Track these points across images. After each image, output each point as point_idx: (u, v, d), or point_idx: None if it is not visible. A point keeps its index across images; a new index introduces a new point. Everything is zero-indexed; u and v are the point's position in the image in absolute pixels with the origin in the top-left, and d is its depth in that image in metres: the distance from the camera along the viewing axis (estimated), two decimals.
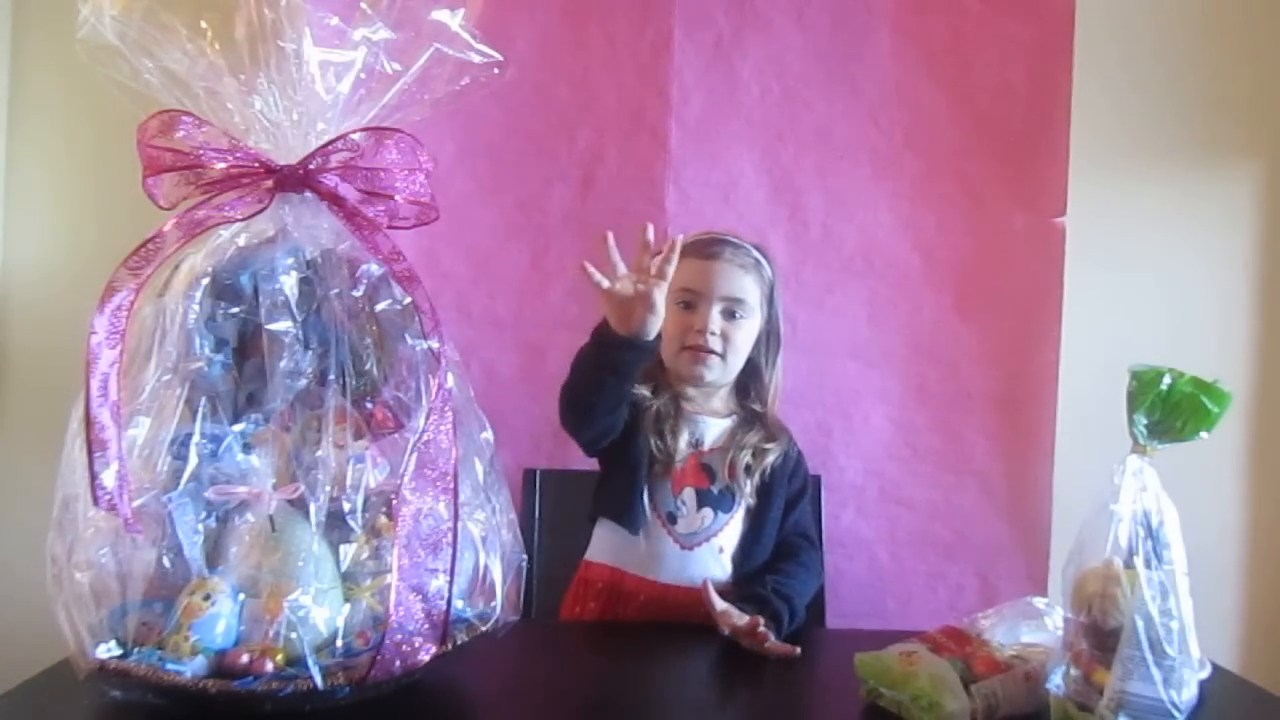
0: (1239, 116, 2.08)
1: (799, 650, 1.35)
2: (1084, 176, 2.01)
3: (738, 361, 1.62)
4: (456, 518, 1.10)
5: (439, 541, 1.09)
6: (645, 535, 1.56)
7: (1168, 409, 1.09)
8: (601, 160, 2.01)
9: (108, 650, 1.03)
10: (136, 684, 1.01)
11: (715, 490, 1.59)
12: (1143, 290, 2.07)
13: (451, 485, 1.10)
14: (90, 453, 1.03)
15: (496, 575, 1.19)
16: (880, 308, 2.02)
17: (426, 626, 1.07)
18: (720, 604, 1.42)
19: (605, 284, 1.41)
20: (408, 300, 1.16)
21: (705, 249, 1.62)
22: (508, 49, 1.24)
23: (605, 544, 1.61)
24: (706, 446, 1.61)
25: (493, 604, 1.19)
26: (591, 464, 1.98)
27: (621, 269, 1.43)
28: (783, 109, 2.02)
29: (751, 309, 1.61)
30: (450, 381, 1.15)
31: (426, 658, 1.06)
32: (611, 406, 1.49)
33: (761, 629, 1.36)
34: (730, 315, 1.60)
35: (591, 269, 1.41)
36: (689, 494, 1.58)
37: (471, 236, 2.00)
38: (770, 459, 1.62)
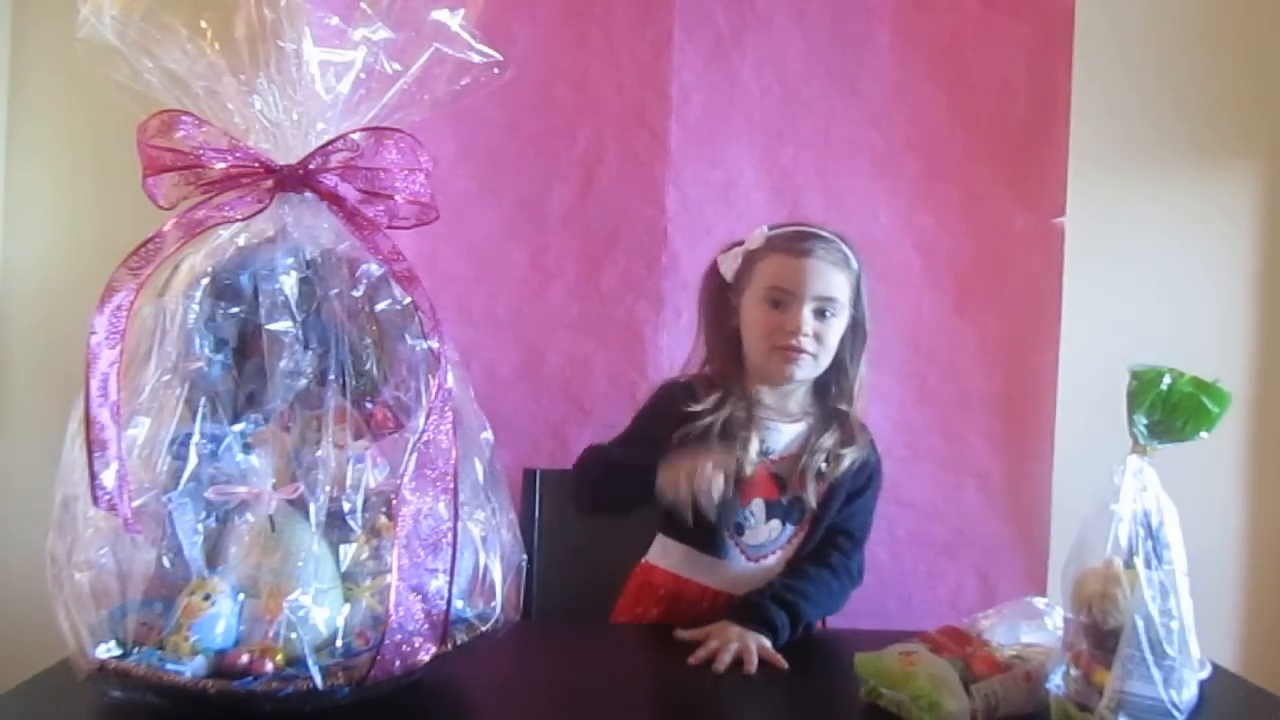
0: (1238, 116, 2.08)
1: (784, 664, 1.33)
2: (1084, 177, 2.01)
3: (827, 359, 1.56)
4: (456, 518, 1.10)
5: (439, 541, 1.09)
6: (714, 546, 1.53)
7: (1168, 409, 1.09)
8: (601, 160, 2.01)
9: (107, 650, 1.03)
10: (136, 684, 1.01)
11: (785, 501, 1.54)
12: (1142, 290, 2.06)
13: (451, 485, 1.10)
14: (90, 452, 1.03)
15: (496, 575, 1.19)
16: (879, 308, 1.97)
17: (426, 627, 1.07)
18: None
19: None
20: (407, 300, 1.16)
21: (796, 244, 1.54)
22: (508, 49, 1.24)
23: (671, 550, 1.57)
24: (777, 455, 1.55)
25: (492, 604, 1.19)
26: None
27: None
28: (783, 109, 2.02)
29: (842, 306, 1.54)
30: (450, 381, 1.15)
31: (426, 658, 1.06)
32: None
33: (720, 657, 1.31)
34: (821, 315, 1.53)
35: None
36: (758, 505, 1.54)
37: (472, 237, 2.00)
38: (845, 465, 1.56)
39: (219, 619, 1.05)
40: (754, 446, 1.52)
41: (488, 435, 1.23)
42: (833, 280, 1.53)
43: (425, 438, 1.10)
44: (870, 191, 2.02)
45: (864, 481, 1.60)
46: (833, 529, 1.57)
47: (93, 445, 1.03)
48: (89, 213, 2.03)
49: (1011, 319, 2.01)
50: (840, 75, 2.02)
